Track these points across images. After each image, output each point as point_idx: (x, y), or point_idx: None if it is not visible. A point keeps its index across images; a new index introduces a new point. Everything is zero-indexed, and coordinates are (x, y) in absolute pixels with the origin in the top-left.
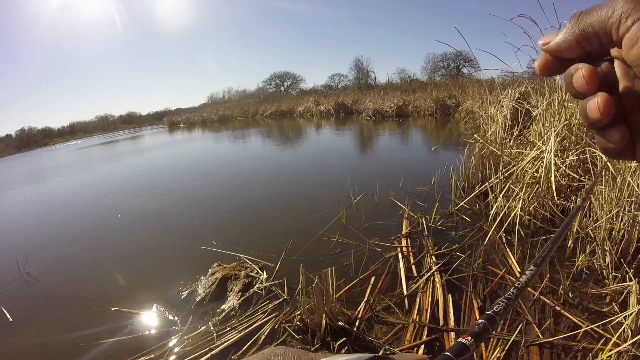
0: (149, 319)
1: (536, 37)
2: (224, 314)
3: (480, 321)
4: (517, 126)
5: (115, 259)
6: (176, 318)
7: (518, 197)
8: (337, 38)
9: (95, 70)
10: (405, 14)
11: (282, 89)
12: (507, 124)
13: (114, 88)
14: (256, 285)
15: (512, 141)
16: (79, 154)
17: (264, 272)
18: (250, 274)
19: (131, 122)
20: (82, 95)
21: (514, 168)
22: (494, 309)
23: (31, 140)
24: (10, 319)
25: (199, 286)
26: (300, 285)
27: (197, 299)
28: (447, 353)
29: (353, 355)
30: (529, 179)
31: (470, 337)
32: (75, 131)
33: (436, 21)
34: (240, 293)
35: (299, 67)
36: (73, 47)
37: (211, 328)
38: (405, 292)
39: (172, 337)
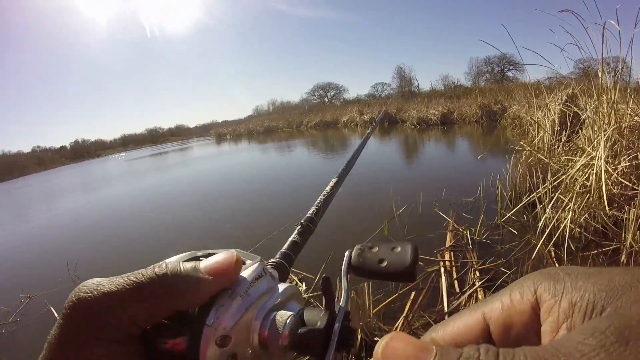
0: None
1: (579, 36)
2: None
3: None
4: (566, 131)
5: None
6: None
7: (567, 207)
8: (378, 47)
9: (146, 86)
10: (445, 19)
11: (326, 99)
12: (556, 128)
13: (163, 102)
14: None
15: (560, 147)
16: (129, 165)
17: (304, 283)
18: None
19: (179, 134)
20: (133, 109)
21: (563, 176)
22: None
23: (84, 151)
24: (57, 317)
25: None
26: (336, 299)
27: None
28: None
29: None
30: (579, 188)
31: None
32: (126, 143)
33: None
34: None
35: (342, 78)
36: (126, 64)
37: None
38: (446, 309)
39: None
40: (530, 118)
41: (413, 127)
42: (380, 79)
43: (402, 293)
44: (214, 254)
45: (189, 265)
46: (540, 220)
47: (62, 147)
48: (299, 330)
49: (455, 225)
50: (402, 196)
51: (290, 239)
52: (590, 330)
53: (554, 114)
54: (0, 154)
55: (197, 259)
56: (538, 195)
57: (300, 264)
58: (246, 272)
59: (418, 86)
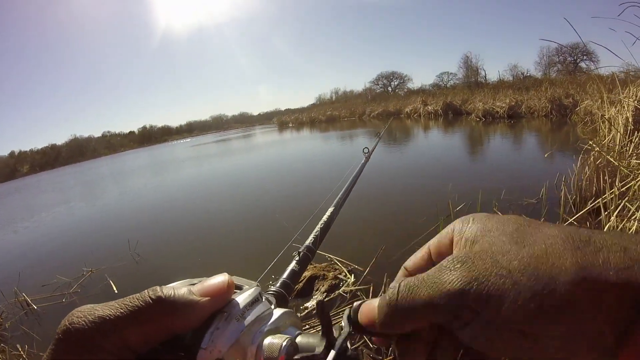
0: None
1: None
2: (306, 311)
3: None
4: (639, 131)
5: (215, 250)
6: None
7: (634, 217)
8: (445, 34)
9: (213, 73)
10: (516, 2)
11: (390, 89)
12: (629, 127)
13: (229, 89)
14: (342, 288)
15: (631, 149)
16: (195, 150)
17: (352, 275)
18: (339, 275)
19: (243, 121)
20: (200, 96)
21: (632, 182)
22: None
23: (152, 136)
24: (116, 291)
25: None
26: (382, 293)
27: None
28: None
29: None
30: None
31: None
32: (191, 129)
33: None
34: (325, 293)
35: (407, 66)
36: (197, 56)
37: None
38: None
39: None
40: (602, 115)
41: (478, 119)
42: (446, 68)
43: None
44: None
45: (182, 288)
46: (604, 228)
47: (131, 132)
48: (295, 357)
49: None
50: (461, 193)
51: (289, 268)
52: (451, 257)
53: (628, 111)
54: (73, 137)
55: (192, 285)
56: (604, 201)
57: (350, 255)
58: (242, 297)
59: (485, 76)
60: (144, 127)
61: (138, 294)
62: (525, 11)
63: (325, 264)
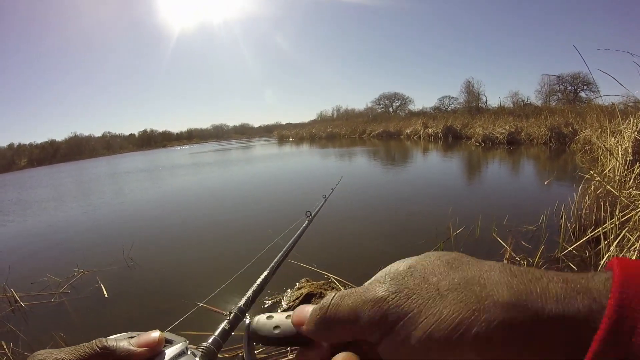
0: None
1: None
2: None
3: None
4: (639, 162)
5: (210, 260)
6: None
7: (633, 247)
8: (448, 58)
9: (215, 83)
10: (518, 32)
11: (391, 109)
12: (629, 158)
13: (230, 100)
14: None
15: (632, 180)
16: (193, 157)
17: None
18: None
19: (243, 132)
20: (201, 105)
21: (632, 213)
22: None
23: (152, 140)
24: (106, 295)
25: (284, 298)
26: None
27: (279, 311)
28: None
29: None
30: None
31: None
32: (191, 137)
33: (552, 39)
34: None
35: (409, 89)
36: (199, 63)
37: None
38: None
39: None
40: (602, 145)
41: (477, 144)
42: (448, 92)
43: None
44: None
45: (123, 340)
46: (603, 258)
47: (131, 135)
48: None
49: (512, 254)
50: (461, 216)
51: (220, 327)
52: (384, 271)
53: (628, 142)
54: (73, 135)
55: (131, 337)
56: (604, 230)
57: (348, 273)
58: (170, 349)
59: (486, 102)
60: (145, 131)
61: (87, 343)
62: (527, 40)
63: (323, 282)
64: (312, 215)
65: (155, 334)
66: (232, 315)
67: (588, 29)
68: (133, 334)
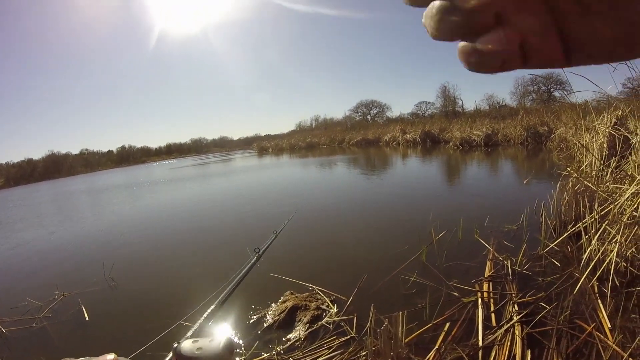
0: None
1: None
2: (289, 343)
3: None
4: (615, 156)
5: (191, 277)
6: (241, 341)
7: (614, 239)
8: (423, 64)
9: (192, 97)
10: None
11: (369, 117)
12: (604, 153)
13: (209, 113)
14: (325, 319)
15: (609, 174)
16: (173, 173)
17: (335, 305)
18: (321, 306)
19: (223, 145)
20: (180, 119)
21: (611, 206)
22: None
23: (130, 156)
24: (87, 318)
25: (269, 312)
26: (368, 326)
27: (265, 325)
28: None
29: None
30: (627, 219)
31: None
32: (171, 151)
33: None
34: (308, 324)
35: (386, 95)
36: (176, 76)
37: (274, 356)
38: (480, 344)
39: (235, 359)
40: (578, 142)
41: (456, 147)
42: (424, 98)
43: (437, 324)
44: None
45: None
46: (585, 252)
47: (109, 152)
48: None
49: (495, 254)
50: (442, 220)
51: (167, 358)
52: None
53: (603, 137)
54: (50, 153)
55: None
56: (584, 225)
57: (332, 284)
58: None
59: (462, 106)
60: (123, 147)
61: None
62: None
63: (307, 293)
64: (261, 251)
65: (110, 357)
66: (176, 346)
67: None
68: (92, 358)
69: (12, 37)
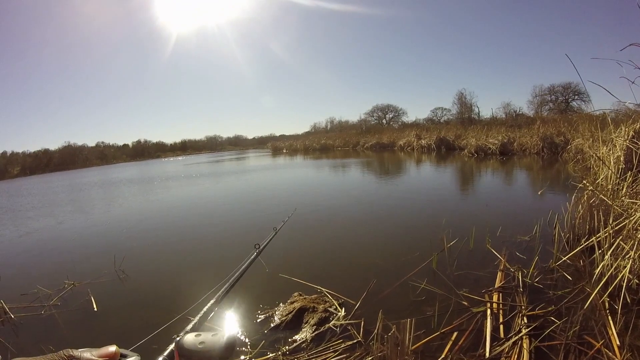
0: None
1: None
2: (295, 344)
3: None
4: (632, 170)
5: (203, 272)
6: (247, 340)
7: (628, 256)
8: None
9: (210, 93)
10: (510, 42)
11: (384, 121)
12: (620, 166)
13: (224, 112)
14: (332, 322)
15: (625, 188)
16: (186, 169)
17: (343, 309)
18: (329, 308)
19: (237, 144)
20: (195, 117)
21: (626, 221)
22: None
23: (145, 151)
24: (95, 309)
25: (276, 312)
26: (376, 331)
27: (272, 325)
28: None
29: None
30: None
31: None
32: (185, 148)
33: (543, 49)
34: (315, 327)
35: (402, 100)
36: (195, 72)
37: (280, 357)
38: (487, 355)
39: (241, 357)
40: (594, 154)
41: (470, 155)
42: (440, 104)
43: (444, 332)
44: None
45: (86, 352)
46: (598, 267)
47: (125, 145)
48: None
49: (507, 264)
50: (454, 228)
51: (169, 349)
52: None
53: (620, 150)
54: (66, 144)
55: (92, 349)
56: (598, 239)
57: (341, 287)
58: None
59: (478, 113)
60: (138, 142)
61: (56, 353)
62: (520, 52)
63: (315, 295)
64: (262, 247)
65: (112, 348)
66: (178, 339)
67: (583, 38)
68: (93, 350)
69: (47, 38)
